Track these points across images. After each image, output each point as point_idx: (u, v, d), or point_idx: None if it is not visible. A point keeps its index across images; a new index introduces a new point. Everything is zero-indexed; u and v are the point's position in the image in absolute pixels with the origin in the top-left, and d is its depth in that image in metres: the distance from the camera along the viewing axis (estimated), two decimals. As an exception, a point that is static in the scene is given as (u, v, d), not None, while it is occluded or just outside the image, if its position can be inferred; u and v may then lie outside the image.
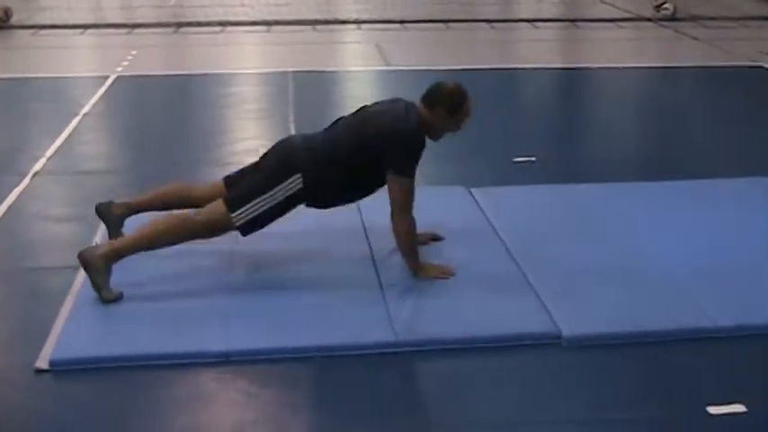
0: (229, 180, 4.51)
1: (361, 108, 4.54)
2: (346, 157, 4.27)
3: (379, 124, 4.26)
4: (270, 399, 3.45)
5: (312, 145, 4.34)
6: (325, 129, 4.48)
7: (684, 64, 10.03)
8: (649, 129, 7.71)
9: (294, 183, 4.24)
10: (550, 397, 3.45)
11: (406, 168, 4.22)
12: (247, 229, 4.28)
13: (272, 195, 4.23)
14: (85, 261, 4.07)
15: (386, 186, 4.28)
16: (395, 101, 4.48)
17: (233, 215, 4.21)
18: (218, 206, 4.24)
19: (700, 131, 7.34)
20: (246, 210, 4.21)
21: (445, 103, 4.30)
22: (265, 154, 4.47)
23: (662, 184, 5.65)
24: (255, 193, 4.24)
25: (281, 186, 4.23)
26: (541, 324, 3.88)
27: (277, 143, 4.51)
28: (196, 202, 4.44)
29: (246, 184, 4.32)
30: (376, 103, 4.55)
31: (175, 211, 4.39)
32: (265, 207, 4.23)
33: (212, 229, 4.25)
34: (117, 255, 4.12)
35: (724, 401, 3.36)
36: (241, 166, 4.64)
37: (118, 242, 4.23)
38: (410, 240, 4.31)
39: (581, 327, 3.85)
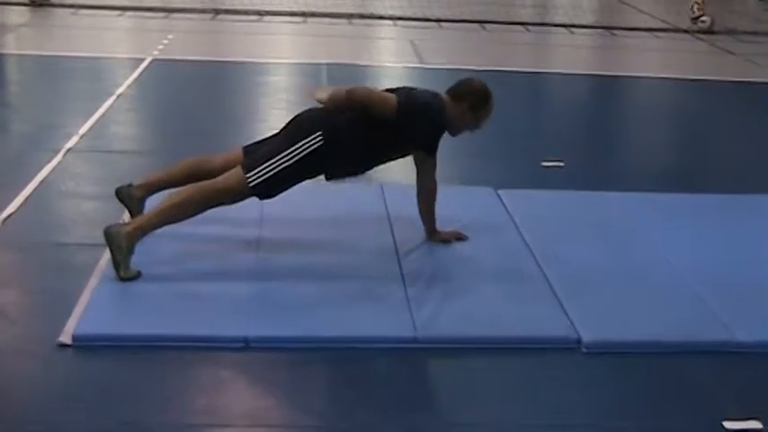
0: (248, 148, 4.54)
1: (386, 90, 4.61)
2: (369, 123, 4.32)
3: (407, 102, 4.33)
4: (286, 386, 3.47)
5: (335, 113, 4.39)
6: None
7: (718, 78, 9.95)
8: (678, 141, 7.69)
9: (314, 140, 4.28)
10: (564, 401, 3.46)
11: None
12: (261, 191, 4.29)
13: (288, 154, 4.27)
14: (110, 238, 4.11)
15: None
16: (424, 89, 4.59)
17: (247, 176, 4.23)
18: (235, 171, 4.28)
19: (728, 146, 7.30)
20: (261, 170, 4.24)
21: (471, 98, 4.46)
22: (287, 124, 4.52)
23: (688, 197, 5.63)
24: (272, 153, 4.28)
25: (299, 144, 4.27)
26: (561, 328, 3.88)
27: (297, 114, 4.55)
28: (215, 174, 4.46)
29: (264, 148, 4.37)
30: (402, 88, 4.64)
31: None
32: (281, 167, 4.25)
33: (229, 194, 4.26)
34: (141, 232, 4.15)
35: (741, 417, 3.35)
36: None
37: (140, 219, 4.26)
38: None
39: (601, 333, 3.85)
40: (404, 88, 4.60)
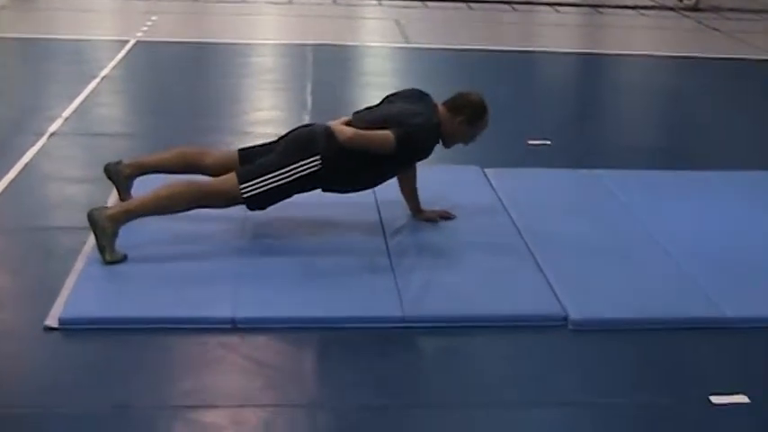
0: (244, 152, 4.52)
1: (384, 100, 4.60)
2: (367, 153, 4.28)
3: (405, 136, 4.24)
4: (274, 366, 3.47)
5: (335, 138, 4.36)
6: (347, 122, 4.49)
7: (704, 55, 9.96)
8: (665, 118, 7.69)
9: (312, 163, 4.26)
10: (552, 379, 3.46)
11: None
12: (254, 203, 4.29)
13: (285, 172, 4.25)
14: (94, 221, 4.09)
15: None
16: (419, 97, 4.54)
17: (241, 186, 4.23)
18: (230, 177, 4.27)
19: (714, 123, 7.31)
20: (256, 183, 4.23)
21: (468, 111, 4.43)
22: (285, 134, 4.50)
23: (674, 173, 5.65)
24: (269, 168, 4.26)
25: (297, 165, 4.26)
26: (548, 306, 3.89)
27: (299, 126, 4.55)
28: (206, 170, 4.48)
29: (261, 160, 4.34)
30: (400, 97, 4.59)
31: (187, 177, 4.41)
32: (276, 183, 4.25)
33: (221, 199, 4.27)
34: (125, 217, 4.14)
35: (728, 391, 3.37)
36: (258, 141, 4.66)
37: (127, 204, 4.26)
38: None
39: (588, 310, 3.85)
40: (397, 105, 4.47)
